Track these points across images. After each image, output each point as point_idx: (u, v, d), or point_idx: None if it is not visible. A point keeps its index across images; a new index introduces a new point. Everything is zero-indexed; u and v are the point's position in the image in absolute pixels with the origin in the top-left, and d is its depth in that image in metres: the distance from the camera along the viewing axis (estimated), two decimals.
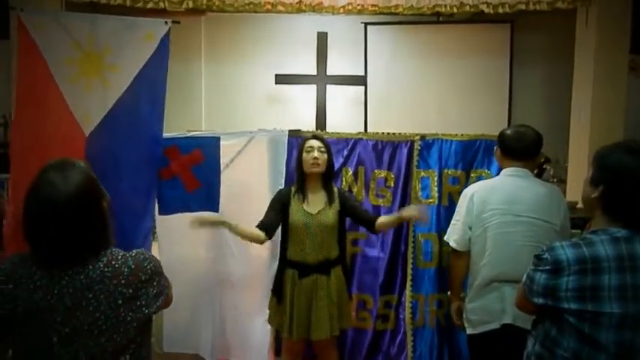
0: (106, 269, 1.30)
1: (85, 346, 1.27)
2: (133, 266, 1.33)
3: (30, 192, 1.31)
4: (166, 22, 2.73)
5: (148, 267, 1.36)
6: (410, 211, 2.58)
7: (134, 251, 1.38)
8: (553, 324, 1.47)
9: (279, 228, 2.81)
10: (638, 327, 1.37)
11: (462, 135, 2.99)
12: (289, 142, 2.97)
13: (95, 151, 2.61)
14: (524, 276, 1.55)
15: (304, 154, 2.64)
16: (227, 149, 2.85)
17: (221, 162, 2.83)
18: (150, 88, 2.71)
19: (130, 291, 1.31)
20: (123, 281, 1.30)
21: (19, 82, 2.65)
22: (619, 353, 1.38)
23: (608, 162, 1.47)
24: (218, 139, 2.84)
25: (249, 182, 2.84)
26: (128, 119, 2.68)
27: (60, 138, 2.63)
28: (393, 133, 3.06)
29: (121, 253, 1.35)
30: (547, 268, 1.45)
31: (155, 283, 1.37)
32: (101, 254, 1.32)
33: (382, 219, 2.65)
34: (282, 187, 2.79)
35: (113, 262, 1.32)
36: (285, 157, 2.91)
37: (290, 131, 2.96)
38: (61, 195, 1.26)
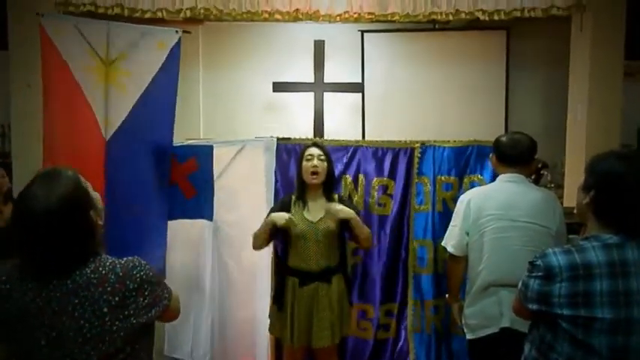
0: (92, 275, 1.29)
1: (71, 353, 1.27)
2: (120, 274, 1.30)
3: (16, 202, 1.32)
4: (177, 32, 2.79)
5: (137, 275, 1.32)
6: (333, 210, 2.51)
7: (125, 258, 1.35)
8: (547, 329, 1.49)
9: (277, 236, 2.82)
10: (631, 332, 1.39)
11: (455, 141, 3.00)
12: (287, 150, 2.98)
13: (114, 156, 2.69)
14: (520, 283, 1.57)
15: (304, 163, 2.64)
16: (220, 158, 2.87)
17: (214, 170, 2.85)
18: (162, 95, 2.77)
19: (117, 299, 1.28)
20: (109, 289, 1.28)
21: (45, 88, 2.70)
22: (612, 358, 1.39)
23: (598, 168, 1.50)
24: (211, 147, 2.87)
25: (241, 190, 2.86)
26: (143, 126, 2.74)
27: (85, 143, 2.70)
28: (393, 141, 3.06)
29: (109, 260, 1.33)
30: (540, 274, 1.47)
31: (147, 293, 1.33)
32: (90, 260, 1.31)
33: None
34: (272, 193, 2.81)
35: (100, 269, 1.30)
36: (274, 164, 2.92)
37: (279, 139, 2.97)
38: (41, 206, 1.26)
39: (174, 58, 2.77)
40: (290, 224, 2.52)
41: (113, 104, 2.71)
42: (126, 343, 1.31)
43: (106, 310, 1.27)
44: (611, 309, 1.38)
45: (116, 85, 2.71)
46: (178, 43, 2.76)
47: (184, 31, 2.81)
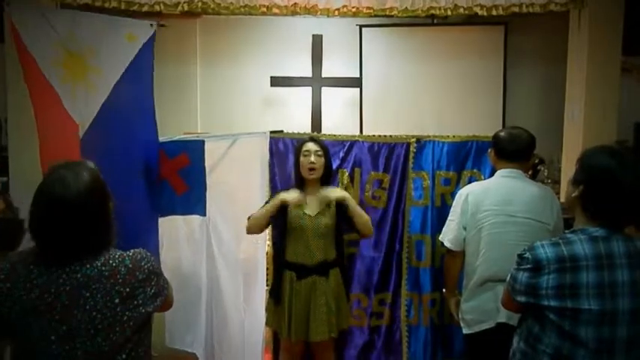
0: (103, 268, 1.32)
1: (83, 345, 1.28)
2: (130, 265, 1.34)
3: (40, 188, 1.33)
4: (152, 25, 2.69)
5: (145, 266, 1.37)
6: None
7: (132, 250, 1.39)
8: (535, 321, 1.51)
9: (275, 229, 2.82)
10: (617, 323, 1.42)
11: (454, 136, 3.01)
12: (284, 144, 2.99)
13: (89, 155, 2.60)
14: (509, 276, 1.58)
15: (301, 158, 2.64)
16: (211, 152, 2.85)
17: (206, 165, 2.83)
18: (135, 91, 2.66)
19: (127, 290, 1.32)
20: (120, 280, 1.31)
21: (28, 87, 2.61)
22: (598, 349, 1.42)
23: (589, 163, 1.53)
24: (202, 142, 2.84)
25: (234, 184, 2.85)
26: (115, 123, 2.64)
27: (66, 143, 2.62)
28: (389, 135, 3.08)
29: (118, 253, 1.37)
30: (528, 266, 1.50)
31: (153, 283, 1.38)
32: (100, 253, 1.34)
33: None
34: (266, 188, 2.81)
35: (110, 261, 1.33)
36: (268, 157, 2.92)
37: (272, 132, 2.97)
38: (71, 192, 1.29)
39: (147, 52, 2.66)
40: (301, 202, 2.53)
41: (83, 102, 2.62)
42: (134, 332, 1.34)
43: (117, 301, 1.30)
44: (598, 300, 1.41)
45: (85, 83, 2.61)
46: (153, 37, 2.67)
47: (160, 25, 2.73)
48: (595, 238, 1.46)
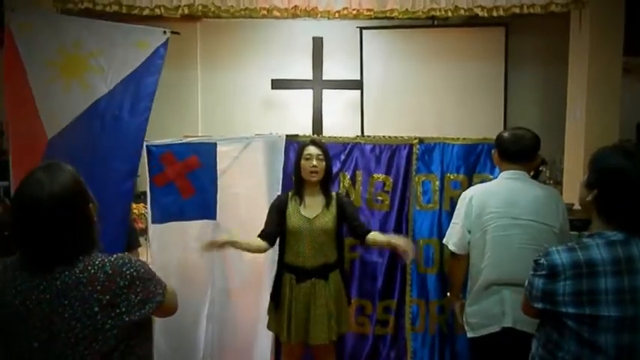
0: (81, 275, 1.28)
1: (64, 353, 1.25)
2: (110, 272, 1.29)
3: (16, 191, 1.31)
4: (165, 32, 2.66)
5: (128, 272, 1.30)
6: (403, 245, 2.40)
7: (114, 256, 1.33)
8: (554, 328, 1.48)
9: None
10: (637, 329, 1.38)
11: (464, 139, 2.95)
12: (287, 146, 2.96)
13: (56, 155, 2.44)
14: (526, 281, 1.56)
15: (302, 161, 2.62)
16: (223, 155, 2.80)
17: (218, 168, 2.78)
18: (134, 96, 2.61)
19: (107, 297, 1.27)
20: (99, 287, 1.27)
21: (5, 91, 2.59)
22: (618, 356, 1.39)
23: (602, 165, 1.48)
24: (215, 145, 2.79)
25: (245, 188, 2.81)
26: (102, 124, 2.58)
27: (25, 142, 2.58)
28: (391, 137, 3.04)
29: (99, 259, 1.31)
30: (544, 273, 1.47)
31: (138, 290, 1.31)
32: (79, 259, 1.30)
33: (373, 236, 2.54)
34: (279, 192, 2.78)
35: (89, 268, 1.29)
36: (282, 162, 2.89)
37: (287, 136, 2.94)
38: (44, 194, 1.26)
39: (157, 59, 2.63)
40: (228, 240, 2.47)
41: (70, 100, 2.56)
42: (120, 341, 1.30)
43: (96, 309, 1.26)
44: (617, 307, 1.38)
45: (80, 81, 2.56)
46: (165, 44, 2.63)
47: (173, 32, 2.70)
48: (613, 242, 1.42)
